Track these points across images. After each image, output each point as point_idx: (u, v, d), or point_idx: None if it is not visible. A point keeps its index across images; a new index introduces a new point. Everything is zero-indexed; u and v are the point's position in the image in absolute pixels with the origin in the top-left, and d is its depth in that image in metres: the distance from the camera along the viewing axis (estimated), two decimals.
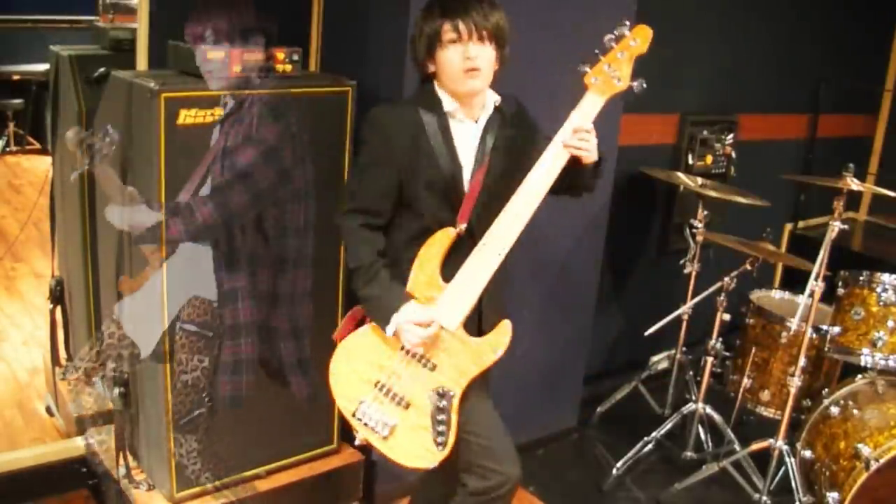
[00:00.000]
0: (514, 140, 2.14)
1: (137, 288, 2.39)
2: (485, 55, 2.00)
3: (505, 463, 2.12)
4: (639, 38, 2.00)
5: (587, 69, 2.01)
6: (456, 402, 2.04)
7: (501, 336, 2.08)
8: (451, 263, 2.07)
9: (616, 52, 2.00)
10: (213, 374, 2.31)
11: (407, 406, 2.07)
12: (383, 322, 2.05)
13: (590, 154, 2.04)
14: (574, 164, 2.04)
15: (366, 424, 2.09)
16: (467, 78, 2.01)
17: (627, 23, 2.00)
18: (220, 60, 2.46)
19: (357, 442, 2.14)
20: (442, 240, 2.07)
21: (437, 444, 2.04)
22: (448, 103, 2.07)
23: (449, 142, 2.06)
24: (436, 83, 2.09)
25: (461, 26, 1.97)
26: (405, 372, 2.07)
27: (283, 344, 2.41)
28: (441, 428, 2.03)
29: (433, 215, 2.07)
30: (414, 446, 2.06)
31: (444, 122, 2.06)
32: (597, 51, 2.01)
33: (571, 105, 2.05)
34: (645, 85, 1.99)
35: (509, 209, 2.02)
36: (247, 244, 2.23)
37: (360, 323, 2.16)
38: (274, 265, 2.28)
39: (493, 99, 2.12)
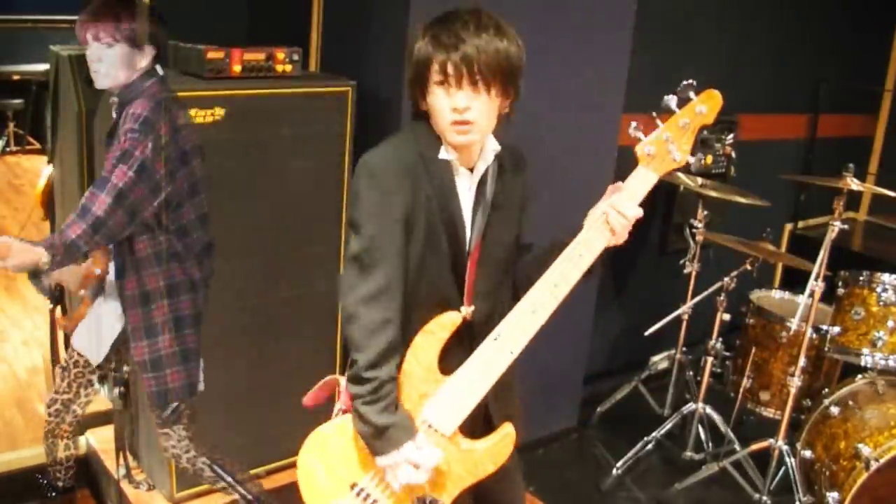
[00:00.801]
0: (512, 197, 1.79)
1: (75, 325, 2.40)
2: (479, 105, 1.61)
3: None
4: (706, 106, 1.64)
5: (640, 135, 1.66)
6: None
7: (503, 446, 1.75)
8: (453, 352, 1.72)
9: (678, 118, 1.64)
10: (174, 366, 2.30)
11: None
12: (377, 452, 1.67)
13: (623, 237, 1.70)
14: None
15: None
16: (455, 130, 1.63)
17: (693, 82, 1.64)
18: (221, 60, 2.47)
19: None
20: (446, 326, 1.71)
21: None
22: (444, 151, 1.68)
23: (453, 194, 1.69)
24: (431, 121, 1.70)
25: (449, 67, 1.57)
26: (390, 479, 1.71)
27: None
28: None
29: (434, 283, 1.71)
30: None
31: (447, 172, 1.69)
32: (654, 114, 1.66)
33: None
34: (702, 161, 1.75)
35: (533, 300, 1.67)
36: (152, 244, 2.19)
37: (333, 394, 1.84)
38: (187, 258, 2.25)
39: (493, 147, 1.73)
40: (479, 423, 1.78)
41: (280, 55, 2.60)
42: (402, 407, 1.69)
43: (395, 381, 1.68)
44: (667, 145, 1.65)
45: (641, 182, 1.68)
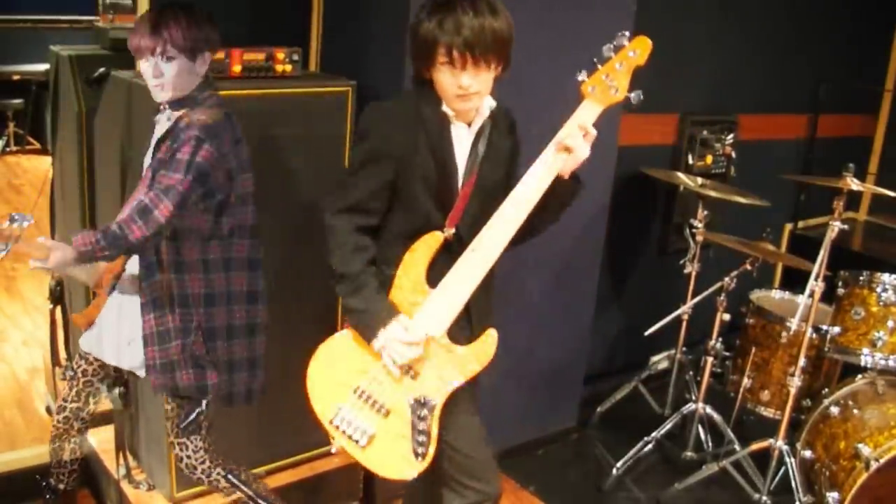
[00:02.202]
0: (504, 151, 2.09)
1: (93, 319, 2.35)
2: (480, 80, 1.91)
3: (483, 480, 2.07)
4: (638, 50, 1.93)
5: (584, 78, 1.96)
6: (437, 411, 1.97)
7: (487, 346, 2.00)
8: (438, 268, 2.00)
9: (614, 62, 1.94)
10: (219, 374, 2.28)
11: (387, 414, 1.99)
12: (369, 336, 1.97)
13: (584, 152, 1.95)
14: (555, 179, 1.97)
15: (343, 432, 2.00)
16: (460, 102, 1.94)
17: (627, 33, 1.94)
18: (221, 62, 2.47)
19: (333, 450, 2.08)
20: (429, 244, 2.00)
21: (417, 455, 1.96)
22: (444, 106, 2.00)
23: (447, 142, 2.00)
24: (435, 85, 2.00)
25: (454, 53, 1.86)
26: (386, 378, 2.00)
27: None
28: (421, 438, 1.96)
29: (426, 215, 2.00)
30: (392, 456, 1.98)
31: (443, 123, 1.99)
32: (595, 60, 1.95)
33: (570, 106, 2.03)
34: (642, 97, 1.94)
35: (500, 216, 1.96)
36: (202, 250, 2.17)
37: None
38: (241, 266, 2.24)
39: (489, 105, 2.04)
40: (465, 331, 2.03)
41: (280, 55, 2.59)
42: (384, 295, 1.99)
43: (370, 274, 1.98)
44: (606, 83, 1.94)
45: (587, 113, 1.95)
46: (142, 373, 2.27)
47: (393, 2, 2.67)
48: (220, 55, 2.48)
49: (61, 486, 2.56)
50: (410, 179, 1.98)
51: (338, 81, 2.70)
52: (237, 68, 2.53)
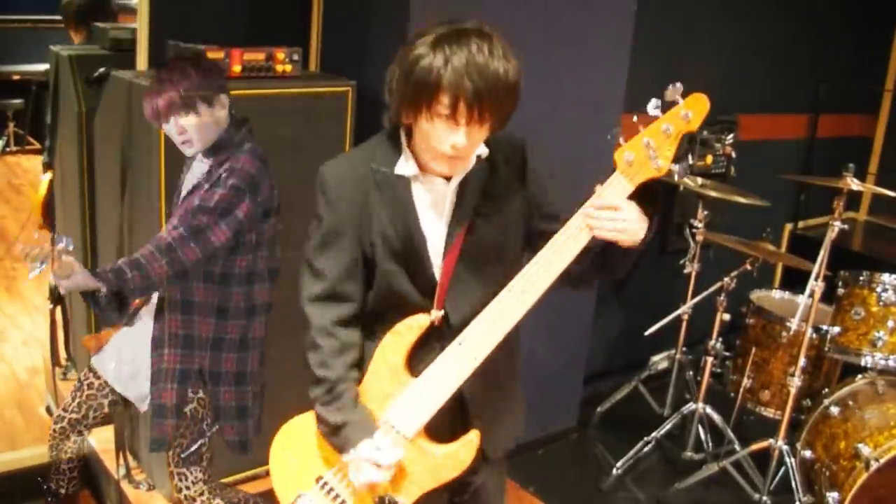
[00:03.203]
0: (508, 196, 1.72)
1: (104, 343, 2.35)
2: (475, 137, 1.57)
3: None
4: (692, 112, 1.53)
5: (620, 140, 1.56)
6: None
7: (465, 453, 1.73)
8: (424, 354, 1.71)
9: (661, 123, 1.54)
10: (217, 418, 2.28)
11: None
12: (338, 449, 1.72)
13: (624, 237, 1.58)
14: (606, 243, 1.61)
15: None
16: (446, 163, 1.60)
17: (680, 86, 1.52)
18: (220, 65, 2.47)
19: None
20: (412, 329, 1.70)
21: None
22: (406, 166, 1.65)
23: (409, 207, 1.66)
24: (403, 133, 1.67)
25: (461, 106, 1.49)
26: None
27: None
28: None
29: (405, 295, 1.70)
30: None
31: (404, 186, 1.66)
32: (635, 118, 1.57)
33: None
34: (689, 170, 1.65)
35: (498, 305, 1.64)
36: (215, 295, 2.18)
37: None
38: (247, 313, 2.25)
39: (478, 150, 1.66)
40: (457, 426, 1.76)
41: (280, 55, 2.59)
42: (361, 406, 1.72)
43: (350, 381, 1.71)
44: (647, 151, 1.55)
45: (615, 191, 1.58)
46: (143, 406, 2.29)
47: (393, 2, 2.67)
48: (220, 55, 2.48)
49: (62, 491, 2.56)
50: (377, 254, 1.68)
51: (338, 81, 2.70)
52: (237, 68, 2.53)
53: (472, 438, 1.73)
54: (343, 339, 1.71)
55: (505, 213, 1.72)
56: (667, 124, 1.54)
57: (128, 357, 2.28)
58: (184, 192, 2.18)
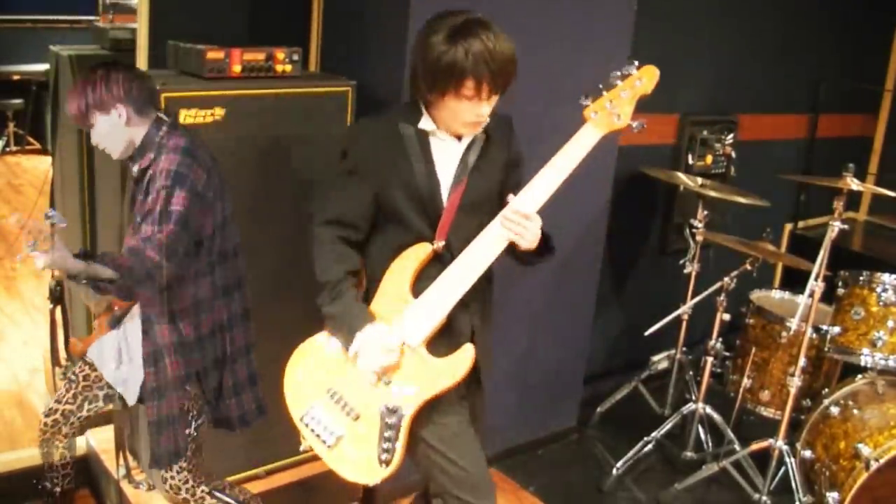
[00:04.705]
0: (498, 162, 2.09)
1: (85, 350, 2.37)
2: (492, 105, 1.95)
3: (479, 496, 2.03)
4: (645, 78, 1.96)
5: (588, 102, 1.98)
6: (406, 421, 1.96)
7: (461, 362, 1.97)
8: (426, 281, 2.00)
9: (620, 89, 1.96)
10: (217, 399, 2.32)
11: (356, 417, 1.99)
12: (345, 341, 1.99)
13: (524, 242, 1.97)
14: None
15: (312, 430, 2.03)
16: (470, 129, 1.99)
17: (636, 62, 1.97)
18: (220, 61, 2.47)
19: (302, 448, 2.05)
20: (417, 253, 2.00)
21: (381, 462, 1.95)
22: (426, 122, 2.01)
23: (428, 157, 2.01)
24: (421, 103, 2.01)
25: (484, 87, 1.88)
26: (360, 383, 1.99)
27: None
28: (387, 445, 1.94)
29: (413, 228, 2.01)
30: (358, 460, 1.99)
31: (423, 138, 2.01)
32: (601, 86, 1.98)
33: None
34: (644, 126, 1.96)
35: (487, 232, 1.98)
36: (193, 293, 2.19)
37: None
38: (234, 288, 2.27)
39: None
40: (448, 341, 2.01)
41: (280, 55, 2.59)
42: (362, 304, 2.01)
43: (349, 283, 2.00)
44: (609, 109, 1.96)
45: (587, 137, 1.98)
46: (132, 400, 2.30)
47: (393, 2, 2.67)
48: (221, 55, 2.48)
49: (57, 490, 2.56)
50: (393, 194, 1.99)
51: (338, 81, 2.70)
52: (237, 68, 2.53)
53: (467, 348, 1.97)
54: (342, 251, 2.02)
55: (495, 168, 2.09)
56: (625, 90, 1.96)
57: (121, 359, 2.30)
58: (128, 195, 2.22)
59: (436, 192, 2.01)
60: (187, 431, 2.29)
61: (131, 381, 2.29)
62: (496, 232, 1.98)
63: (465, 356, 1.97)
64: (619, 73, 1.97)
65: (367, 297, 2.08)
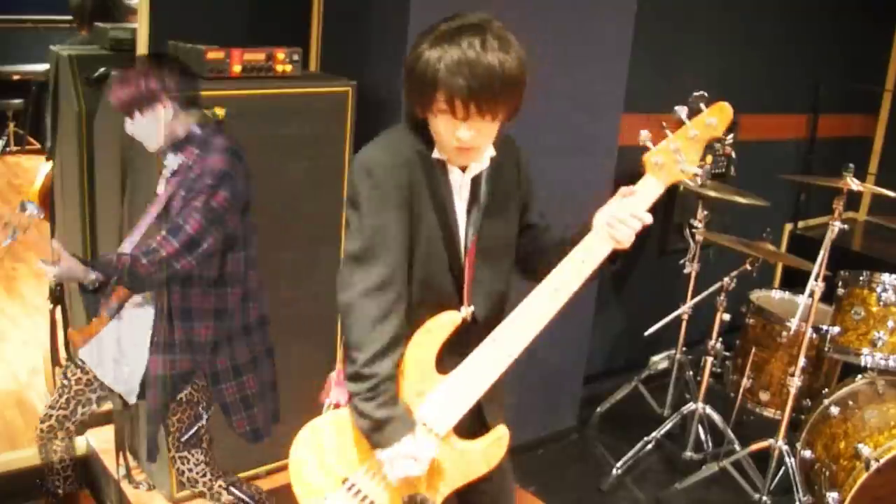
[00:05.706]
0: (509, 199, 1.78)
1: (90, 337, 2.34)
2: (482, 133, 1.59)
3: None
4: (716, 118, 1.66)
5: (649, 144, 1.65)
6: None
7: (497, 447, 1.75)
8: (450, 350, 1.70)
9: (688, 129, 1.64)
10: (227, 414, 2.33)
11: None
12: (376, 445, 1.66)
13: (626, 244, 1.68)
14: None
15: None
16: (456, 154, 1.64)
17: (705, 94, 1.66)
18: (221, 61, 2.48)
19: None
20: (445, 326, 1.69)
21: None
22: (437, 150, 1.68)
23: (447, 190, 1.68)
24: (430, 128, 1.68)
25: (457, 103, 1.53)
26: (380, 473, 1.71)
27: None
28: None
29: (434, 287, 1.70)
30: None
31: (442, 171, 1.67)
32: (664, 124, 1.66)
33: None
34: (710, 172, 1.78)
35: (532, 304, 1.67)
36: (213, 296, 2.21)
37: None
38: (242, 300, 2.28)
39: (489, 153, 1.72)
40: (473, 424, 1.77)
41: (280, 55, 2.59)
42: (400, 401, 1.68)
43: (395, 377, 1.66)
44: (675, 156, 1.64)
45: (648, 192, 1.67)
46: (132, 399, 2.30)
47: (393, 2, 2.67)
48: (221, 55, 2.48)
49: (59, 491, 2.56)
50: (421, 237, 1.66)
51: (338, 81, 2.70)
52: (237, 68, 2.53)
53: (502, 432, 1.75)
54: (393, 334, 1.63)
55: (510, 208, 1.77)
56: (694, 130, 1.63)
57: (121, 353, 2.29)
58: (162, 185, 2.21)
59: (456, 239, 1.69)
60: (199, 423, 2.30)
61: (131, 379, 2.29)
62: (594, 246, 1.66)
63: (499, 440, 1.75)
64: (684, 108, 1.65)
65: None
